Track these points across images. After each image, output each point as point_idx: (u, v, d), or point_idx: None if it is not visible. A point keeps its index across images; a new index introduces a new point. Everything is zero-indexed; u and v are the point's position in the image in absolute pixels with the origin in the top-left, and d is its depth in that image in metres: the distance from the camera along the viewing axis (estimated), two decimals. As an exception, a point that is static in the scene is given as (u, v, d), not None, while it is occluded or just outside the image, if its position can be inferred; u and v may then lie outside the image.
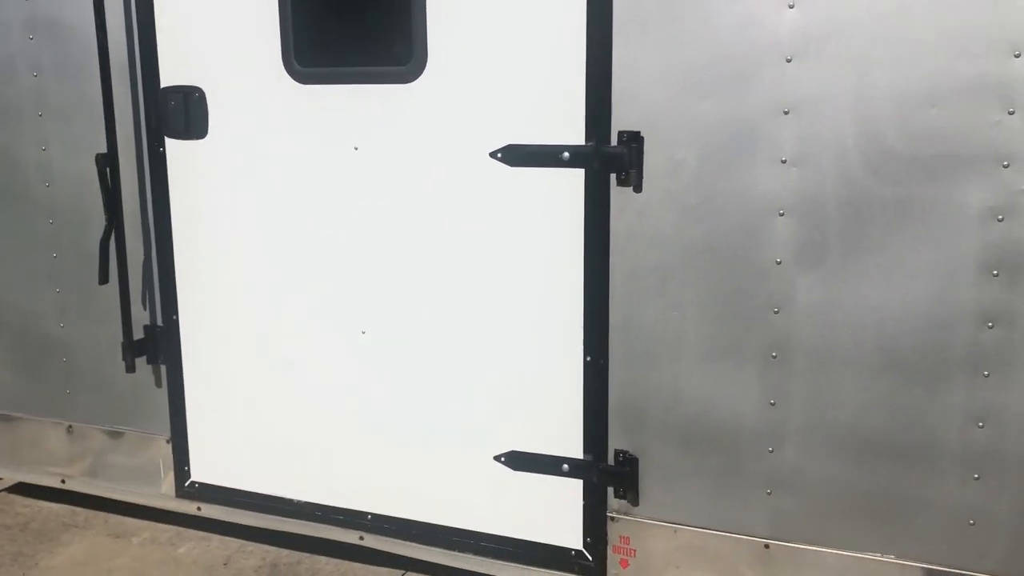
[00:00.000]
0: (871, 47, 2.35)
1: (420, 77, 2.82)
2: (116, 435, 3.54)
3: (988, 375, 2.39)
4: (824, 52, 2.39)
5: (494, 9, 2.69)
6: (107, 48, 3.15)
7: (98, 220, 3.27)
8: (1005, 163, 2.29)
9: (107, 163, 3.21)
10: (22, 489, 4.29)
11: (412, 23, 2.79)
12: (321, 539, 3.35)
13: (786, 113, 2.45)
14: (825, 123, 2.42)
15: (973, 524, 2.47)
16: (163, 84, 3.17)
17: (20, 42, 3.31)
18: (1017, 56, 2.23)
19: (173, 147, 3.20)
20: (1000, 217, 2.31)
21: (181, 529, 3.88)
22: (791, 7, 2.39)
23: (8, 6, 3.28)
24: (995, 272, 2.34)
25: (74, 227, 3.40)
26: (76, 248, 3.41)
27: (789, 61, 2.42)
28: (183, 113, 3.14)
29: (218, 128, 3.13)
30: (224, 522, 3.55)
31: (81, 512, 4.06)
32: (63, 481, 3.72)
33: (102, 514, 4.03)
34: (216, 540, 3.81)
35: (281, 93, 3.01)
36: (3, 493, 4.28)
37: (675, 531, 2.78)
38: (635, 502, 2.83)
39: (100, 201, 3.23)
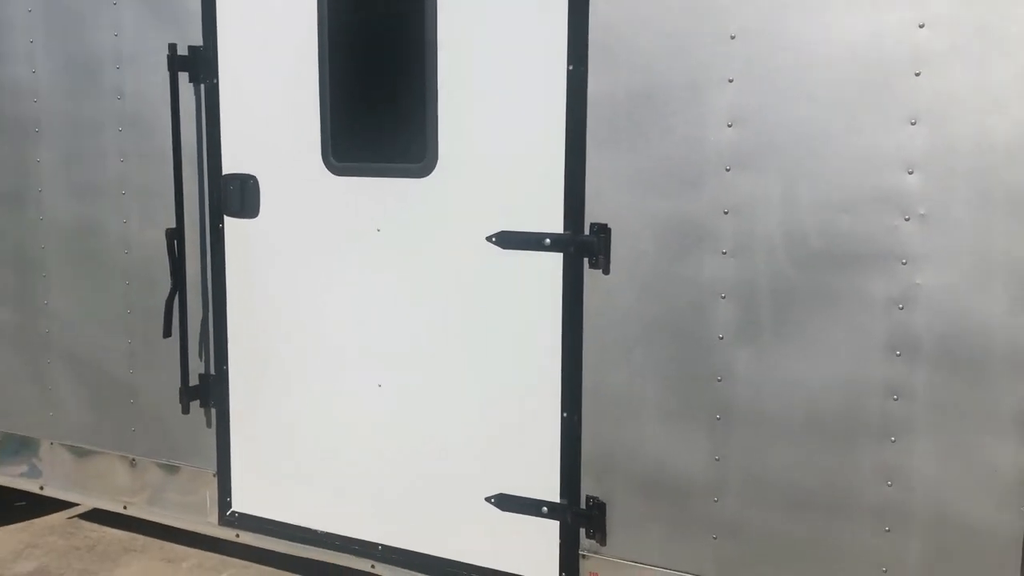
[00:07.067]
0: (796, 162, 2.80)
1: (432, 173, 3.34)
2: (171, 468, 3.99)
3: (895, 440, 2.78)
4: (757, 164, 2.84)
5: (493, 119, 3.20)
6: (180, 140, 3.65)
7: (165, 283, 3.75)
8: (903, 261, 2.71)
9: (175, 236, 3.70)
10: (91, 515, 4.84)
11: (426, 128, 3.32)
12: (339, 566, 3.74)
13: (726, 213, 2.91)
14: (758, 223, 2.86)
15: (886, 572, 2.83)
16: (224, 171, 3.71)
17: (112, 134, 3.86)
18: (910, 173, 2.67)
19: (230, 224, 3.73)
20: (901, 306, 2.73)
21: (225, 558, 4.36)
22: (730, 126, 2.87)
23: (104, 106, 3.85)
24: (898, 352, 2.75)
25: (145, 289, 3.87)
26: (146, 306, 3.87)
27: (728, 170, 2.89)
28: (239, 196, 3.68)
29: (268, 209, 3.67)
30: (261, 549, 3.95)
31: (139, 538, 4.58)
32: (125, 507, 4.15)
33: (157, 541, 4.52)
34: (255, 569, 4.29)
35: (319, 182, 3.53)
36: (75, 519, 4.84)
37: (637, 569, 3.17)
38: (603, 542, 3.23)
39: (168, 268, 3.74)
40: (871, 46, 2.68)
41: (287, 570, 4.18)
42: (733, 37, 2.83)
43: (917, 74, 2.63)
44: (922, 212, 2.67)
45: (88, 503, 4.38)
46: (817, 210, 2.79)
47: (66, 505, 4.81)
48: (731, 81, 2.85)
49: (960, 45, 2.59)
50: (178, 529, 4.15)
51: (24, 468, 4.35)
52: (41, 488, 4.34)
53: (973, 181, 2.61)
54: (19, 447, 4.34)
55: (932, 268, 2.68)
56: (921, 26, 2.62)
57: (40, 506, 4.86)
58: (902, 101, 2.66)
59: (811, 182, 2.79)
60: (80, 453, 4.21)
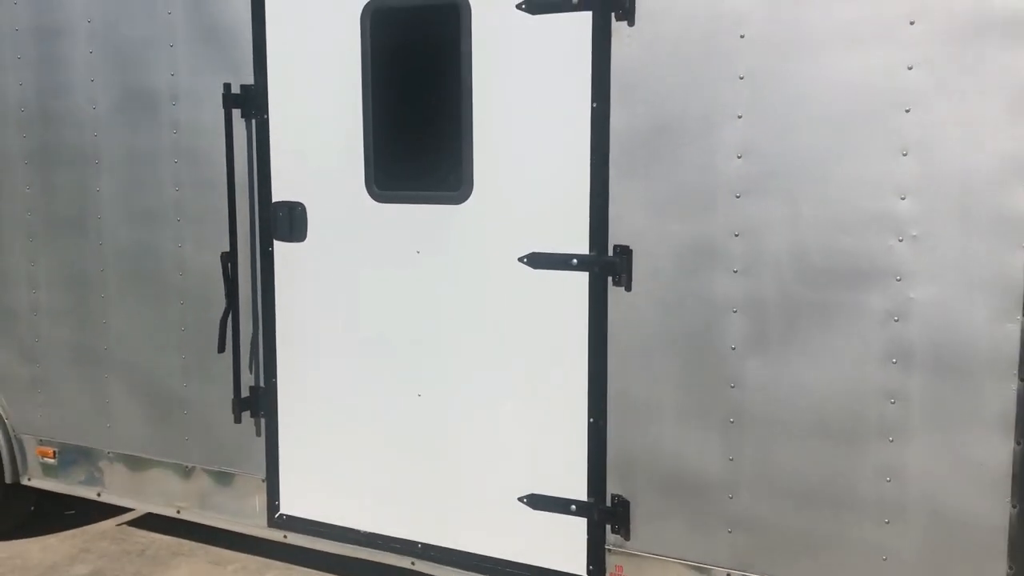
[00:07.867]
0: (800, 188, 3.09)
1: (468, 200, 3.64)
2: (223, 475, 4.26)
3: (892, 440, 3.06)
4: (764, 191, 3.14)
5: (524, 150, 3.51)
6: (233, 170, 3.94)
7: (219, 303, 4.05)
8: (898, 277, 3.00)
9: (228, 259, 4.00)
10: (140, 522, 5.12)
11: (462, 158, 3.62)
12: (380, 564, 3.99)
13: (737, 235, 3.20)
14: (766, 244, 3.16)
15: (886, 560, 3.10)
16: (274, 199, 4.00)
17: (168, 165, 4.16)
18: (903, 199, 2.97)
19: (280, 248, 4.03)
20: (896, 318, 3.02)
21: (269, 560, 4.63)
22: (739, 157, 3.17)
23: (160, 139, 4.16)
24: (894, 360, 3.03)
25: (200, 308, 4.15)
26: (200, 324, 4.15)
27: (738, 197, 3.19)
28: (288, 222, 3.97)
29: (314, 234, 3.96)
30: (303, 551, 4.21)
31: (187, 543, 4.85)
32: (178, 512, 4.41)
33: (204, 545, 4.79)
34: (297, 571, 4.56)
35: (363, 209, 3.82)
36: (124, 525, 5.13)
37: (658, 561, 3.45)
38: (627, 537, 3.50)
39: (222, 288, 4.03)
40: (866, 85, 2.98)
41: (328, 571, 4.45)
42: (742, 77, 3.14)
43: (907, 110, 2.93)
44: (914, 233, 2.96)
45: (144, 508, 4.63)
46: (819, 232, 3.08)
47: (115, 512, 5.09)
48: (740, 117, 3.15)
49: (945, 84, 2.89)
50: (223, 534, 4.41)
51: (83, 477, 4.65)
52: (99, 495, 4.62)
53: (958, 206, 2.90)
54: (78, 457, 4.63)
55: (923, 284, 2.97)
56: (910, 68, 2.92)
57: (90, 514, 5.14)
58: (894, 134, 2.95)
59: (813, 207, 3.09)
60: (136, 462, 4.49)
